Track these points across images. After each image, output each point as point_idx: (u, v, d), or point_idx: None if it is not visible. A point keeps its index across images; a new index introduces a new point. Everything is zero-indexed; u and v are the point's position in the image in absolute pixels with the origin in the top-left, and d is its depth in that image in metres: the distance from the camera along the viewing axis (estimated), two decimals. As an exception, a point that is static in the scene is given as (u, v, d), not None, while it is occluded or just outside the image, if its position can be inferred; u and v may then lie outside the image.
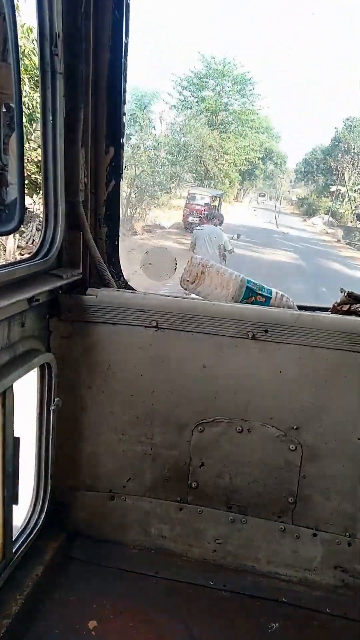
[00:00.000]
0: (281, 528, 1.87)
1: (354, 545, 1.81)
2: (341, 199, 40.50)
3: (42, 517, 1.85)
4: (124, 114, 1.87)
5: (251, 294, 1.94)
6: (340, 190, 40.18)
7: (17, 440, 1.59)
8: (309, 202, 45.86)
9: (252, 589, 1.84)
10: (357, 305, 1.80)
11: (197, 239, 8.16)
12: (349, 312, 1.82)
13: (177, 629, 1.67)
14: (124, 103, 1.85)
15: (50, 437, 1.83)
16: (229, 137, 34.85)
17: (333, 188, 40.77)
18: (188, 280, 1.95)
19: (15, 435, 1.60)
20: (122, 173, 1.92)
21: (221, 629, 1.69)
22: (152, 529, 1.96)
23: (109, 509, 1.97)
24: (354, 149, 37.52)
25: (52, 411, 1.81)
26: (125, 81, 1.84)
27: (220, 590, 1.84)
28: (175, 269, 2.07)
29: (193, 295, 2.00)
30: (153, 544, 1.96)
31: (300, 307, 1.94)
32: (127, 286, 2.02)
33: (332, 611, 1.77)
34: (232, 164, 34.76)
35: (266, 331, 1.77)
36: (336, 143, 39.37)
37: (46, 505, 1.87)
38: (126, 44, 1.79)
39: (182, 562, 1.92)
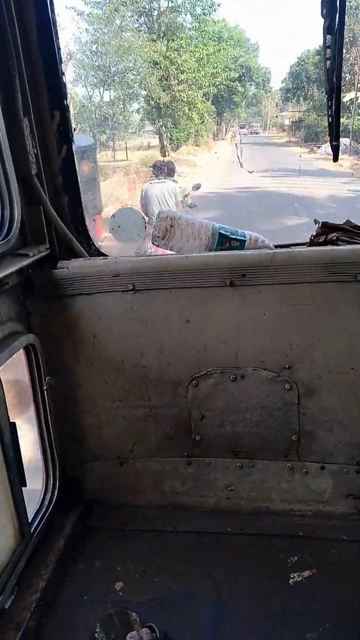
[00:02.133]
0: (289, 466, 1.91)
1: None
2: (360, 110, 27.51)
3: (56, 493, 1.91)
4: (63, 74, 1.76)
5: (225, 240, 1.89)
6: (359, 97, 28.09)
7: (13, 425, 1.61)
8: (307, 125, 34.81)
9: (268, 529, 1.90)
10: (333, 234, 1.75)
11: (146, 198, 6.52)
12: (325, 243, 1.76)
13: (202, 578, 1.74)
14: (61, 62, 1.75)
15: (49, 416, 1.86)
16: (182, 47, 22.31)
17: (348, 96, 28.03)
18: (158, 236, 1.90)
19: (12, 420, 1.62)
20: (72, 136, 1.84)
21: (243, 572, 1.75)
22: (164, 487, 2.02)
23: (119, 475, 2.02)
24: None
25: (45, 391, 1.83)
26: (58, 38, 1.73)
27: (238, 535, 1.90)
28: (145, 227, 2.02)
29: (167, 251, 1.95)
30: (168, 501, 2.02)
31: (277, 246, 1.88)
32: (99, 253, 1.98)
33: (348, 537, 1.82)
34: (194, 87, 22.87)
35: (243, 275, 1.73)
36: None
37: (57, 482, 1.92)
38: (52, 1, 1.67)
39: (198, 514, 1.98)
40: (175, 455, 1.98)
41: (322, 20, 1.62)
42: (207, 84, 25.07)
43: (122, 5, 21.49)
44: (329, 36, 1.60)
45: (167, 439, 1.96)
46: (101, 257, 1.91)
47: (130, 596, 1.69)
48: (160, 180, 6.70)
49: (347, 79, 28.57)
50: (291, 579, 1.69)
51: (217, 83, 28.50)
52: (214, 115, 33.29)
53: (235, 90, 34.54)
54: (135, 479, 2.02)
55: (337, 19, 1.55)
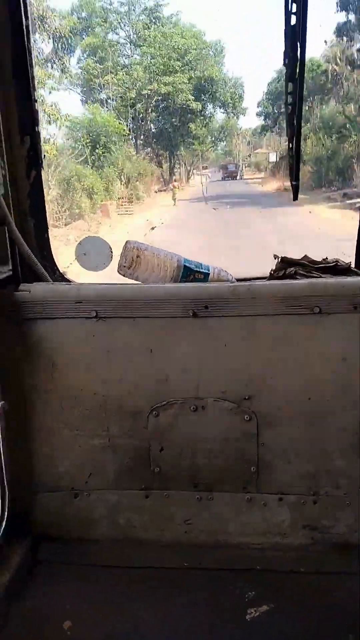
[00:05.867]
0: (248, 498, 1.90)
1: (319, 502, 1.86)
2: None
3: (3, 525, 1.80)
4: (36, 100, 1.81)
5: (189, 273, 1.93)
6: None
7: None
8: (314, 158, 20.43)
9: (226, 563, 1.86)
10: (291, 268, 1.83)
11: None
12: (284, 277, 1.84)
13: (156, 615, 1.68)
14: (34, 89, 1.80)
15: (0, 443, 1.77)
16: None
17: None
18: (125, 266, 1.92)
19: None
20: (42, 162, 1.87)
21: (200, 608, 1.70)
22: (120, 521, 1.95)
23: (73, 507, 1.94)
24: None
25: None
26: (32, 66, 1.78)
27: (195, 570, 1.85)
28: (111, 256, 2.03)
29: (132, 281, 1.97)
30: (123, 535, 1.95)
31: (240, 280, 1.95)
32: (63, 278, 1.98)
33: (305, 569, 1.81)
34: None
35: (206, 307, 1.77)
36: None
37: (6, 513, 1.81)
38: (27, 26, 1.74)
39: (154, 549, 1.92)
40: (133, 487, 1.92)
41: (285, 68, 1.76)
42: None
43: None
44: (290, 83, 1.72)
45: (125, 470, 1.91)
46: (65, 283, 1.90)
47: (79, 636, 1.60)
48: None
49: None
50: (248, 615, 1.65)
51: (151, 92, 17.79)
52: (142, 148, 20.21)
53: (192, 114, 21.26)
54: (89, 511, 1.94)
55: (297, 69, 1.67)
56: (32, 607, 1.69)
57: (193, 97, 21.15)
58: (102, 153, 13.78)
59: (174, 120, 21.17)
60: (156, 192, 20.85)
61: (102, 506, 1.93)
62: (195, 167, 30.20)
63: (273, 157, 28.76)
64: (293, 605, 1.68)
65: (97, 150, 13.73)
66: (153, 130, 21.97)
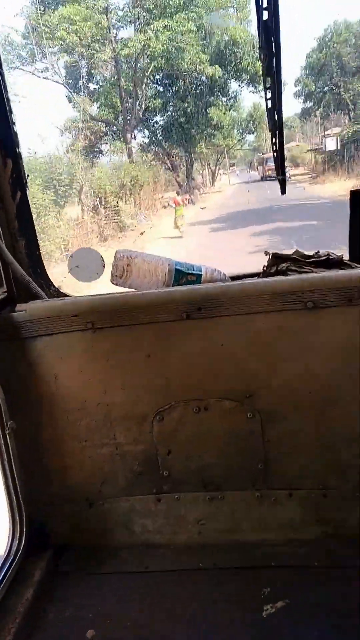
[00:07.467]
0: (258, 495, 1.91)
1: (329, 496, 1.85)
2: None
3: (23, 540, 1.86)
4: (14, 123, 1.83)
5: (181, 276, 1.94)
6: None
7: None
8: None
9: (240, 561, 1.87)
10: (283, 264, 1.81)
11: None
12: (277, 273, 1.82)
13: (175, 618, 1.70)
14: (11, 112, 1.82)
15: (12, 461, 1.84)
16: None
17: None
18: (117, 275, 1.94)
19: None
20: (26, 182, 1.90)
21: (217, 608, 1.72)
22: (135, 527, 1.99)
23: (89, 517, 1.99)
24: None
25: (7, 435, 1.80)
26: (6, 90, 1.80)
27: (210, 570, 1.87)
28: (104, 266, 2.05)
29: (126, 289, 1.98)
30: (139, 541, 1.99)
31: (232, 278, 1.94)
32: (59, 293, 2.01)
33: (319, 563, 1.81)
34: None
35: (199, 309, 1.77)
36: None
37: (24, 528, 1.88)
38: None
39: (170, 552, 1.95)
40: (144, 493, 1.96)
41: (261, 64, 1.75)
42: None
43: None
44: (268, 78, 1.71)
45: (135, 476, 1.94)
46: (60, 298, 1.93)
47: None
48: None
49: None
50: (264, 612, 1.66)
51: (139, 50, 11.29)
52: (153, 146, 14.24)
53: (207, 92, 14.69)
54: (104, 520, 1.99)
55: (274, 62, 1.65)
56: (55, 620, 1.74)
57: (206, 59, 14.78)
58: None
59: (186, 105, 15.20)
60: (165, 208, 14.82)
61: (116, 514, 1.97)
62: (221, 165, 23.69)
63: (331, 144, 22.49)
64: (309, 599, 1.68)
65: None
66: (159, 123, 17.48)
